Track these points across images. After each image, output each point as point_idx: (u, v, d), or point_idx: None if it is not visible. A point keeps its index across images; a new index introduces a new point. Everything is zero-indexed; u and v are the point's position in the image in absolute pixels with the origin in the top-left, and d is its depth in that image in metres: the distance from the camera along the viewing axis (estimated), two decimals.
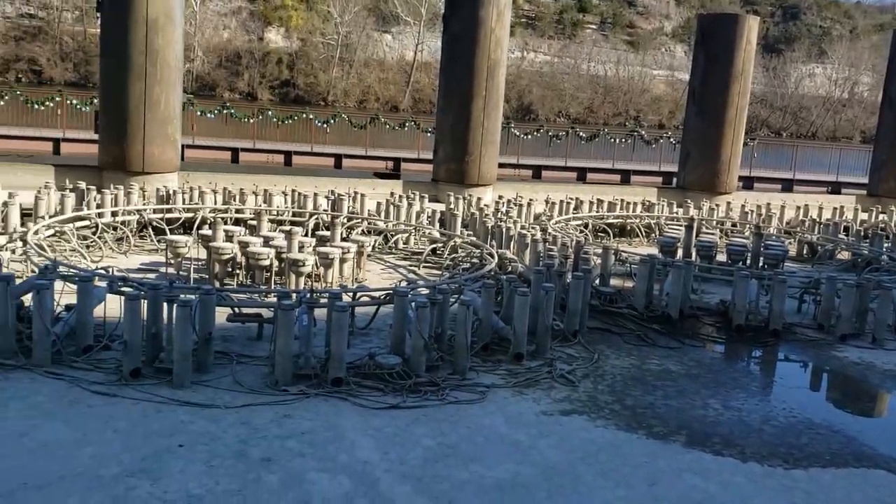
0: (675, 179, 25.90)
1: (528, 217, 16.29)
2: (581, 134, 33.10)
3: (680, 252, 14.38)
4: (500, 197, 17.91)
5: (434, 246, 13.87)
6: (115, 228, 13.46)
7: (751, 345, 10.47)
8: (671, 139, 33.31)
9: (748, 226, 18.39)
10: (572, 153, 32.12)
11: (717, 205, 20.06)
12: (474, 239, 13.71)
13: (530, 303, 8.62)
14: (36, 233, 11.57)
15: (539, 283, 9.30)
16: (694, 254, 14.37)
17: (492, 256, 11.78)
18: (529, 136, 31.63)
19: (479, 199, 17.62)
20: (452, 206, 16.13)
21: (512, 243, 12.97)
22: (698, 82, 23.11)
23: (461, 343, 8.03)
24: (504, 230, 13.39)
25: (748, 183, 30.47)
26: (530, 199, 17.56)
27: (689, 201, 20.35)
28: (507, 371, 8.27)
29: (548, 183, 25.83)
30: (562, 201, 17.86)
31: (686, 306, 11.06)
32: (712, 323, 11.10)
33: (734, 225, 19.02)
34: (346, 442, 6.38)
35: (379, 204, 16.02)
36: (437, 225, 15.02)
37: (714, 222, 18.73)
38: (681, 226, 16.57)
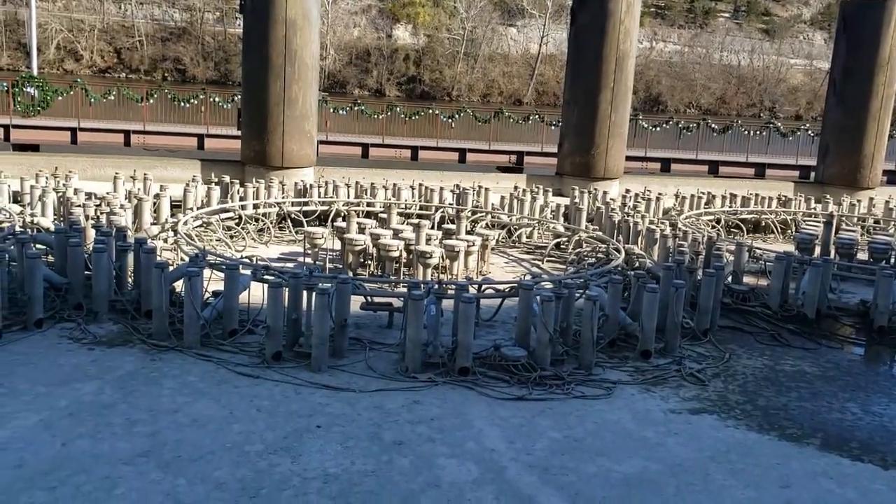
0: (812, 173, 24.71)
1: (656, 212, 15.97)
2: (713, 126, 32.09)
3: (818, 249, 13.79)
4: (628, 191, 17.62)
5: (558, 240, 13.79)
6: (256, 220, 13.89)
7: (894, 348, 9.97)
8: (809, 131, 31.82)
9: (893, 223, 17.42)
10: (703, 146, 31.12)
11: (858, 200, 19.07)
12: (600, 234, 13.58)
13: (659, 299, 8.52)
14: (185, 223, 12.08)
15: (669, 279, 9.16)
16: (833, 251, 13.76)
17: (619, 252, 11.65)
18: (658, 129, 30.87)
19: (605, 193, 17.41)
20: (577, 200, 16.01)
21: (640, 239, 12.77)
22: (839, 71, 21.98)
23: (587, 338, 8.01)
24: (631, 225, 13.20)
25: (894, 178, 28.72)
26: (659, 194, 17.21)
27: (828, 196, 19.45)
28: (634, 368, 8.21)
29: (677, 176, 25.13)
30: (692, 195, 17.38)
31: (823, 306, 10.62)
32: (851, 324, 10.62)
33: (877, 222, 18.03)
34: (474, 430, 6.51)
35: (503, 198, 16.06)
36: (562, 219, 14.95)
37: (855, 219, 17.81)
38: (819, 222, 15.86)
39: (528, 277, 10.13)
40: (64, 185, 14.14)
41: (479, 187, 16.36)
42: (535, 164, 27.59)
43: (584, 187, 17.54)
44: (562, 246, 13.66)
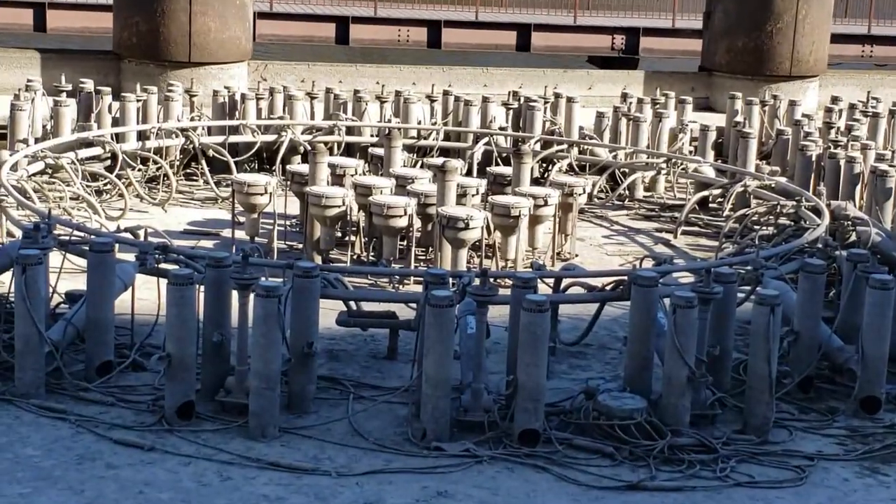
0: None
1: (891, 139, 11.65)
2: None
3: None
4: (836, 100, 12.84)
5: (704, 194, 10.06)
6: (144, 162, 10.05)
7: None
8: None
9: None
10: None
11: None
12: (783, 181, 9.82)
13: None
14: (14, 168, 8.63)
15: None
16: None
17: (818, 214, 8.42)
18: None
19: (791, 103, 12.69)
20: (741, 118, 11.75)
21: (858, 189, 9.27)
22: None
23: (759, 375, 5.61)
24: (843, 165, 9.54)
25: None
26: None
27: None
28: (848, 429, 5.79)
29: None
30: None
31: None
32: None
33: None
34: None
35: (600, 116, 11.56)
36: (710, 156, 10.95)
37: None
38: None
39: (646, 264, 7.61)
40: None
41: (557, 97, 11.80)
42: (661, 50, 18.98)
43: (754, 94, 12.81)
44: (711, 204, 10.11)
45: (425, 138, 10.93)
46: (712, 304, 5.87)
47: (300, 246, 8.49)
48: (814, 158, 9.94)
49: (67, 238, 6.64)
